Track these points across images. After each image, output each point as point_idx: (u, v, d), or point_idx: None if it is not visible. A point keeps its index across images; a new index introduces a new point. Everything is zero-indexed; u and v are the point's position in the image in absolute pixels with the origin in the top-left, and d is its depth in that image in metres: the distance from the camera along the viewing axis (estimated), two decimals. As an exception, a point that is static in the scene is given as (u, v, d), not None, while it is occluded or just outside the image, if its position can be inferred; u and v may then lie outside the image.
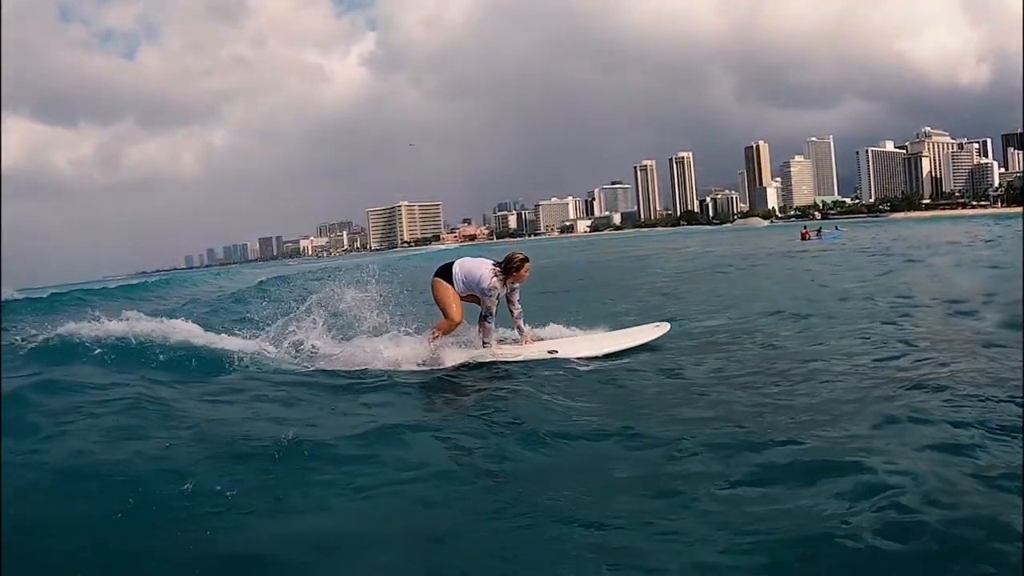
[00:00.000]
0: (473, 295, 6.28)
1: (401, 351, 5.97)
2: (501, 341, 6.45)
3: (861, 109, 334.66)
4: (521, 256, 6.29)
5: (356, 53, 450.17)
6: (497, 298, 6.14)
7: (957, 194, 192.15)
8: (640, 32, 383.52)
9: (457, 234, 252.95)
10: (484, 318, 6.23)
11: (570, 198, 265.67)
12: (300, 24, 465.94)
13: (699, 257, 27.79)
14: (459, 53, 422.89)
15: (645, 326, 6.79)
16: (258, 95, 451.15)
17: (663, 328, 6.66)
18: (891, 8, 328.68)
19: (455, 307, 6.18)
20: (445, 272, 6.27)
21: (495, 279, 6.08)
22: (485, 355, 6.08)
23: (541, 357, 5.99)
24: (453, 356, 5.97)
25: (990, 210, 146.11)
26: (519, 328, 6.43)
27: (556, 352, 6.06)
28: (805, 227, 36.40)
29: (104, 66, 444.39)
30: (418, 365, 5.86)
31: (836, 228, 47.13)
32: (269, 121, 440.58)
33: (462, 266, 6.26)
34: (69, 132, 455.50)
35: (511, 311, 6.39)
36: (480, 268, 6.20)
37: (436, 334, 6.13)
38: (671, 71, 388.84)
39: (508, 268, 6.17)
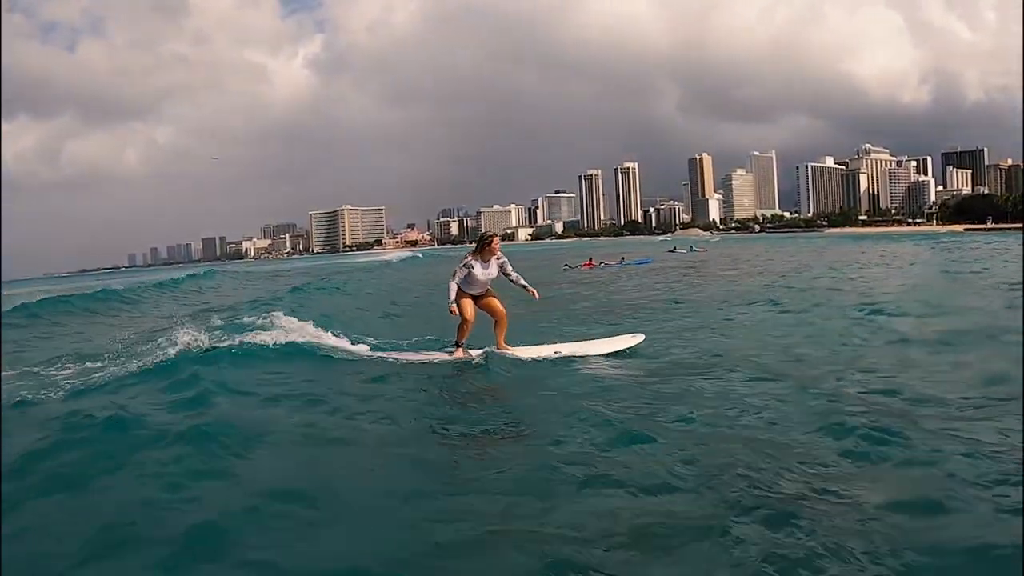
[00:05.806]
0: (474, 293, 7.80)
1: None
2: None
3: (804, 125, 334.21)
4: (490, 234, 7.93)
5: (303, 55, 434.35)
6: (466, 267, 7.64)
7: (893, 211, 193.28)
8: (587, 44, 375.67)
9: (399, 239, 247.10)
10: (452, 277, 7.83)
11: (513, 206, 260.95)
12: (245, 24, 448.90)
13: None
14: (404, 59, 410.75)
15: (625, 335, 8.23)
16: (202, 94, 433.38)
17: (639, 337, 8.05)
18: (835, 28, 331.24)
19: (464, 307, 7.75)
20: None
21: (468, 256, 7.79)
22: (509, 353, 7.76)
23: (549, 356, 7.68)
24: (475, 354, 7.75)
25: (924, 228, 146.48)
26: (525, 287, 7.94)
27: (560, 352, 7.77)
28: (591, 258, 31.12)
29: (46, 59, 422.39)
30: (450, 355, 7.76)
31: (677, 246, 43.65)
32: (213, 120, 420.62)
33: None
34: (8, 125, 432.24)
35: (512, 282, 7.90)
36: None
37: (459, 338, 7.83)
38: (617, 83, 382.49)
39: (480, 246, 7.76)
